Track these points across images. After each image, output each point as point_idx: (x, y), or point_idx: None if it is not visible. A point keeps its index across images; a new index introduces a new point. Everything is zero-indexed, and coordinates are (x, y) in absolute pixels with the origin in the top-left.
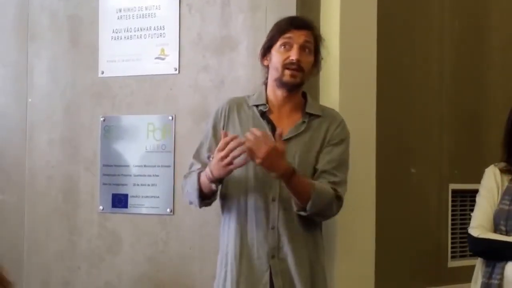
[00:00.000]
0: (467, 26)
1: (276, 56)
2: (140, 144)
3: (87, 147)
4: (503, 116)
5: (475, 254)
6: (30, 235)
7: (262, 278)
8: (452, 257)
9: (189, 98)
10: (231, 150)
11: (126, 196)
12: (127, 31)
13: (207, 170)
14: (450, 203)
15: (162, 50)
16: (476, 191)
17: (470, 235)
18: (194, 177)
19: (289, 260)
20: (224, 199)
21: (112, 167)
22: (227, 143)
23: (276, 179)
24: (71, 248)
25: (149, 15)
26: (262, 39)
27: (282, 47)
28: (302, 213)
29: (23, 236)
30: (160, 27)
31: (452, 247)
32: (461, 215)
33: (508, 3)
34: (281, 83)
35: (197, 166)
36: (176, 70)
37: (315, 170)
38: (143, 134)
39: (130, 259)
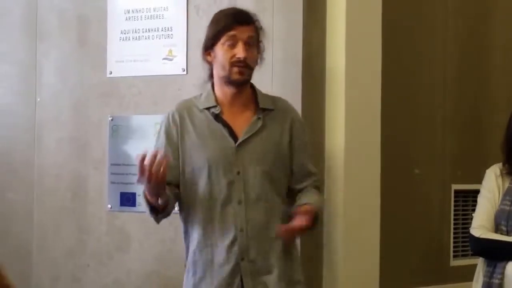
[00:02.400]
0: (470, 28)
1: (221, 54)
2: (148, 144)
3: (96, 146)
4: (505, 117)
5: (476, 254)
6: (39, 233)
7: (234, 281)
8: (454, 256)
9: None
10: (144, 169)
11: (134, 194)
12: (135, 32)
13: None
14: (452, 203)
15: (170, 51)
16: (478, 192)
17: (471, 235)
18: (142, 197)
19: (259, 261)
20: (186, 205)
21: (120, 166)
22: (141, 165)
23: (239, 180)
24: (80, 246)
25: (157, 16)
26: (269, 40)
27: (227, 44)
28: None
29: (32, 234)
30: (168, 28)
31: (454, 246)
32: (463, 215)
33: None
34: (229, 81)
35: None
36: (183, 70)
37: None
38: (151, 134)
39: (138, 257)
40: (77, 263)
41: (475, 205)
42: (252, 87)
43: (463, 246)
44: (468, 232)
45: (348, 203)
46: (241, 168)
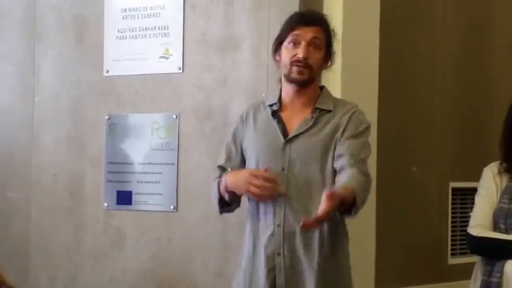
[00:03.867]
0: (471, 25)
1: (285, 53)
2: (145, 142)
3: (93, 145)
4: (504, 116)
5: (474, 252)
6: (36, 231)
7: (267, 276)
8: (452, 254)
9: (193, 96)
10: (265, 187)
11: (130, 193)
12: (132, 30)
13: (223, 180)
14: (450, 201)
15: (167, 49)
16: (476, 190)
17: (469, 234)
18: (215, 185)
19: (294, 257)
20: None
21: (117, 165)
22: (266, 179)
23: (283, 176)
24: (77, 244)
25: (153, 15)
26: (265, 38)
27: (291, 44)
28: (350, 216)
29: (29, 232)
30: (165, 26)
31: (452, 245)
32: (461, 213)
33: None
34: (289, 79)
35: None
36: (180, 69)
37: (323, 163)
38: (148, 132)
39: (134, 255)
40: (74, 261)
41: (473, 203)
42: (322, 88)
43: (461, 244)
44: (466, 230)
45: None
46: (286, 164)
